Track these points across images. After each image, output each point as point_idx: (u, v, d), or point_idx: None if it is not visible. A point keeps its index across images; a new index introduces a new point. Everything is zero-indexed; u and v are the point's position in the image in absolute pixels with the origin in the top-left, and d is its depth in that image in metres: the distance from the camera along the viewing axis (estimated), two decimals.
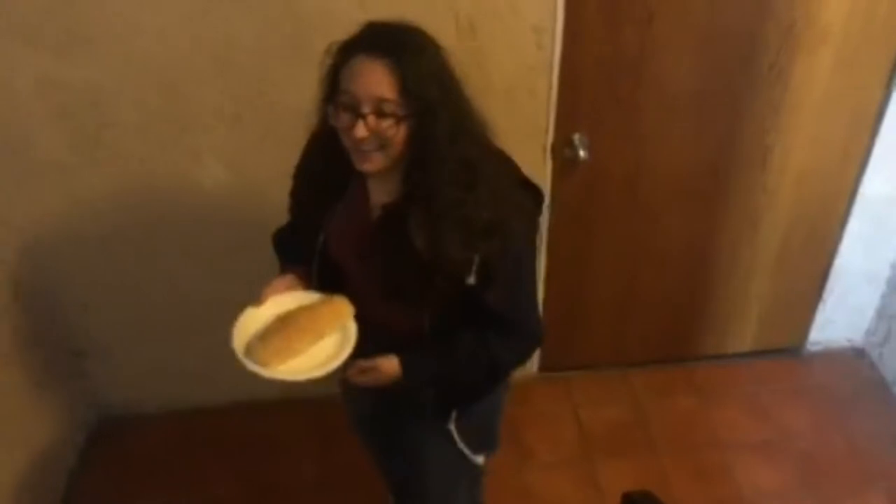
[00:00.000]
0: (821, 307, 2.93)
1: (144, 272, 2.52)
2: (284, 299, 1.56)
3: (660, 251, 2.70)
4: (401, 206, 1.44)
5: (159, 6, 2.03)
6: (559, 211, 2.52)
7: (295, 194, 1.68)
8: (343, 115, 1.35)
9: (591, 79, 2.29)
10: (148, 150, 2.26)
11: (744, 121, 2.42)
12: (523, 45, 2.19)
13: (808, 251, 2.77)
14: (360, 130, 1.32)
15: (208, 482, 2.64)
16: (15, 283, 2.35)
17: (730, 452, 2.69)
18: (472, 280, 1.44)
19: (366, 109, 1.32)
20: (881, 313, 2.94)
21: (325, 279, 1.63)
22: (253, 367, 1.44)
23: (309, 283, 1.62)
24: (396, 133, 1.33)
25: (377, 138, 1.34)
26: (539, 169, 2.40)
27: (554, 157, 2.41)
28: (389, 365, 1.54)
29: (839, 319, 2.96)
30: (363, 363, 1.54)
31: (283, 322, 1.51)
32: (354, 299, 1.57)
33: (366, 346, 1.56)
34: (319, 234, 1.58)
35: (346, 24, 1.39)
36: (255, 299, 1.55)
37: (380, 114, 1.32)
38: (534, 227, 1.58)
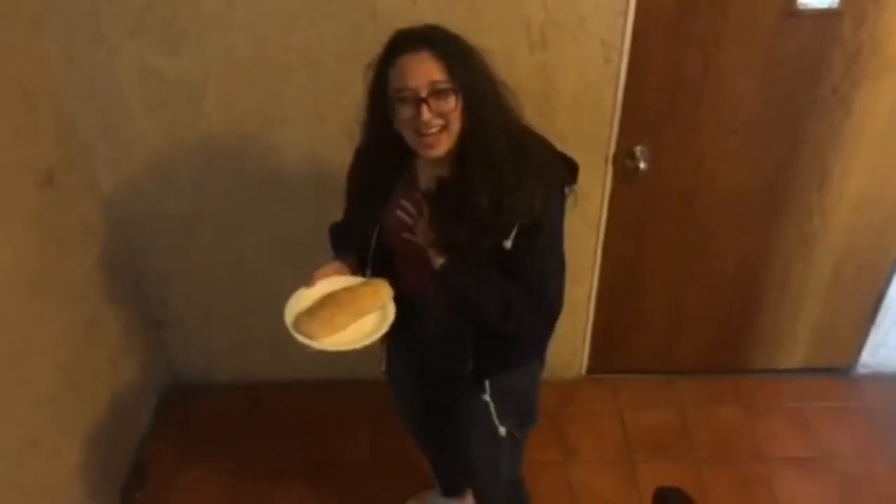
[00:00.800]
0: (873, 331, 2.92)
1: (221, 252, 2.68)
2: (332, 282, 1.72)
3: (713, 265, 2.74)
4: (456, 176, 1.58)
5: (252, 6, 2.17)
6: (616, 218, 2.60)
7: (350, 194, 1.84)
8: (404, 109, 1.51)
9: (655, 94, 2.36)
10: (234, 141, 2.41)
11: (803, 143, 2.45)
12: (592, 58, 2.26)
13: (861, 276, 2.77)
14: (426, 113, 1.48)
15: (269, 453, 2.78)
16: (105, 255, 2.51)
17: (771, 466, 2.71)
18: (508, 244, 1.57)
19: (424, 93, 1.47)
20: None
21: (379, 266, 1.79)
22: (300, 338, 1.61)
23: (356, 271, 1.79)
24: (455, 108, 1.49)
25: (440, 117, 1.49)
26: (599, 177, 2.49)
27: (614, 167, 2.48)
28: (435, 257, 1.64)
29: (891, 344, 2.96)
30: (423, 224, 1.66)
31: (328, 299, 1.68)
32: (412, 280, 1.72)
33: (411, 326, 1.73)
34: (375, 226, 1.74)
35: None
36: (307, 281, 1.71)
37: (437, 94, 1.48)
38: (564, 198, 1.68)
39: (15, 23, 2.06)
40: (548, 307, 1.74)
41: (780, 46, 2.28)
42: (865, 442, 2.81)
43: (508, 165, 1.54)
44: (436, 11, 2.15)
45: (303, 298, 1.69)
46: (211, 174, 2.49)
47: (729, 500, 2.61)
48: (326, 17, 2.19)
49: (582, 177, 1.70)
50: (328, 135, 2.36)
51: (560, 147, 1.70)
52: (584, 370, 3.03)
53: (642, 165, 2.44)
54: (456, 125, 1.52)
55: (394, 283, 1.72)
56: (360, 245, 1.79)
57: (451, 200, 1.58)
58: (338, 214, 1.89)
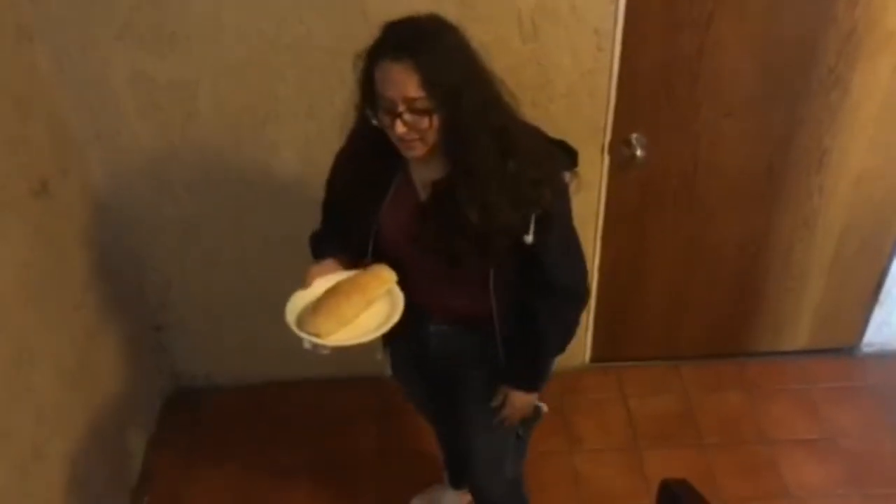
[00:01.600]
0: (877, 309, 2.92)
1: (221, 254, 2.67)
2: (328, 279, 1.66)
3: (714, 249, 2.74)
4: (448, 182, 1.57)
5: (240, 7, 2.16)
6: (615, 207, 2.59)
7: (333, 201, 1.83)
8: (384, 117, 1.51)
9: (650, 80, 2.35)
10: (228, 141, 2.40)
11: (801, 123, 2.44)
12: (584, 47, 2.25)
13: (863, 254, 2.77)
14: (399, 127, 1.47)
15: (275, 452, 2.79)
16: (104, 261, 2.50)
17: (777, 448, 2.72)
18: (530, 238, 1.57)
19: (400, 109, 1.46)
20: None
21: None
22: (308, 337, 1.54)
23: (350, 268, 1.73)
24: (430, 123, 1.48)
25: (415, 131, 1.49)
26: (596, 166, 2.47)
27: (611, 156, 2.47)
28: (515, 396, 1.81)
29: (895, 321, 2.96)
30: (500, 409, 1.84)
31: (330, 293, 1.61)
32: (413, 287, 1.68)
33: (427, 332, 1.74)
34: (371, 230, 1.71)
35: None
36: (302, 283, 1.67)
37: (412, 110, 1.46)
38: (567, 185, 1.68)
39: (3, 31, 2.05)
40: (585, 294, 1.78)
41: (773, 27, 2.26)
42: (872, 421, 2.81)
43: (498, 175, 1.52)
44: (426, 5, 2.12)
45: (301, 299, 1.63)
46: (207, 176, 2.48)
47: (737, 484, 2.61)
48: (316, 14, 2.17)
49: (579, 166, 1.70)
50: (321, 133, 2.35)
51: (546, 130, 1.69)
52: (587, 359, 3.02)
53: (639, 153, 2.43)
54: (432, 136, 1.50)
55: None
56: (359, 251, 1.75)
57: (445, 213, 1.57)
58: None
